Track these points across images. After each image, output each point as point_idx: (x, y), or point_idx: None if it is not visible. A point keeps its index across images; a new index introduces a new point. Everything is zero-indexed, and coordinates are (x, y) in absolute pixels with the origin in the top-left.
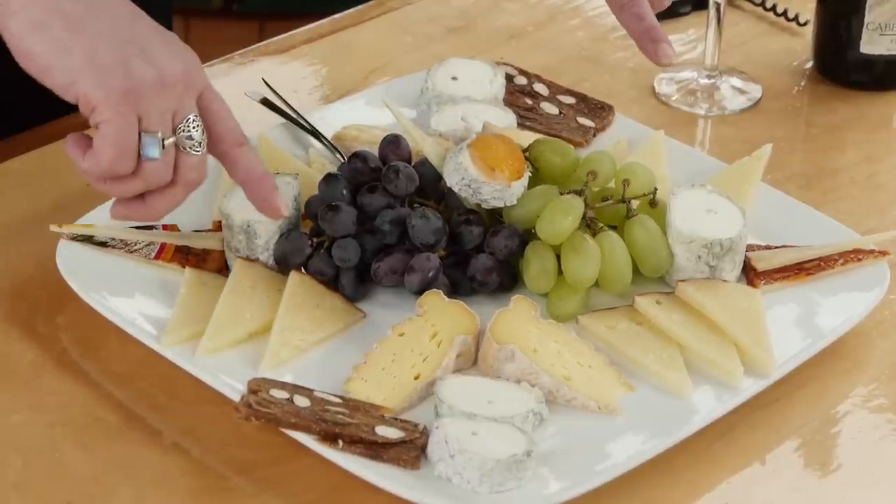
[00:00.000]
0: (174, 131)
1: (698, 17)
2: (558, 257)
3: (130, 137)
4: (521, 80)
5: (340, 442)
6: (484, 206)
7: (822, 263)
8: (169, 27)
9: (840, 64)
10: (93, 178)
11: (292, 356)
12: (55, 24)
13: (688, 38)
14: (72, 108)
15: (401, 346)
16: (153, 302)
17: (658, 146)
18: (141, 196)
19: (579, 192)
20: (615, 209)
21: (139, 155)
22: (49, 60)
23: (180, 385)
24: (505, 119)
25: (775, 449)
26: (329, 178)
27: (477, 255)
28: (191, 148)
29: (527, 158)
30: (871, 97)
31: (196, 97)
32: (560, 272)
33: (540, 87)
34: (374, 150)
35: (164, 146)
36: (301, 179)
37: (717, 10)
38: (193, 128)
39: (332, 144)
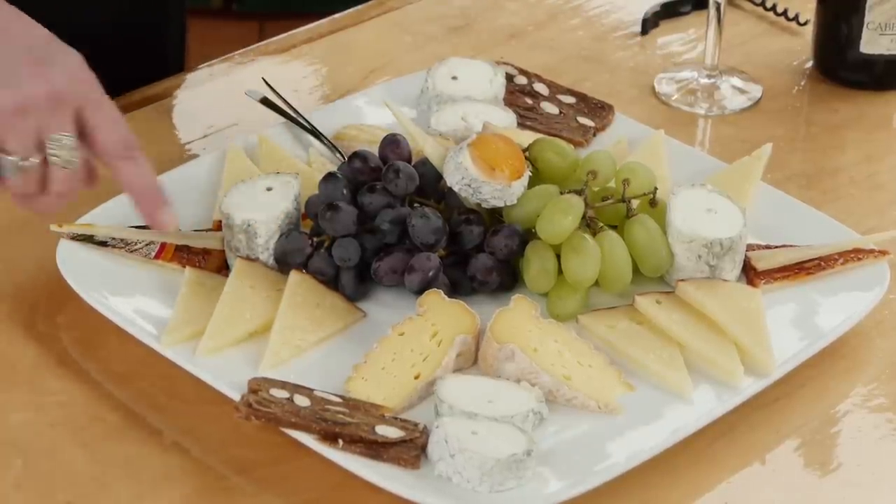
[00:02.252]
0: (40, 148)
1: (698, 17)
2: (558, 257)
3: None
4: (521, 80)
5: (340, 441)
6: (484, 205)
7: (822, 263)
8: (183, 26)
9: (840, 64)
10: None
11: (292, 356)
12: None
13: (688, 37)
14: None
15: (401, 345)
16: (153, 302)
17: (658, 146)
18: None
19: (579, 192)
20: (615, 209)
21: None
22: None
23: (180, 385)
24: (505, 119)
25: (775, 449)
26: (329, 177)
27: (477, 254)
28: (59, 165)
29: (527, 158)
30: (870, 97)
31: (71, 113)
32: (560, 272)
33: (540, 87)
34: (374, 150)
35: (20, 167)
36: (301, 179)
37: (717, 9)
38: (59, 147)
39: (332, 144)
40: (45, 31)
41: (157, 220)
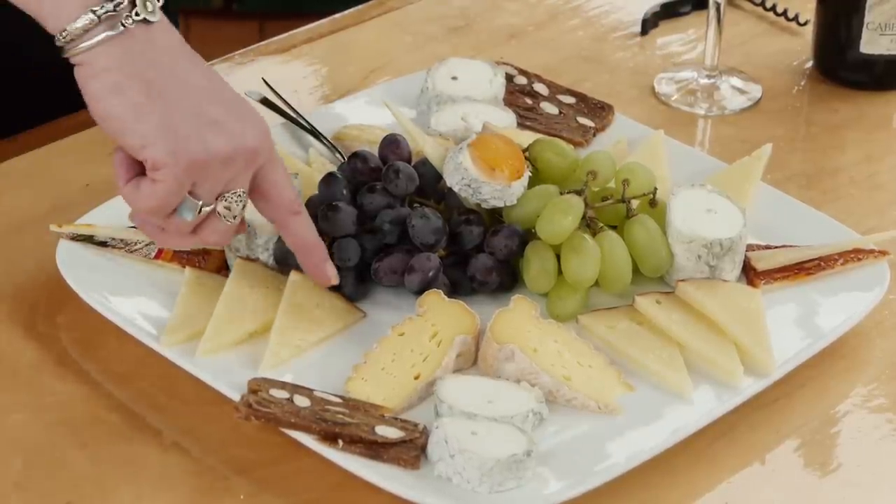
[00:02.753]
0: (217, 199)
1: (698, 17)
2: (558, 257)
3: (177, 199)
4: (521, 80)
5: (340, 442)
6: (484, 205)
7: (822, 263)
8: (176, 26)
9: (840, 64)
10: (125, 199)
11: (292, 356)
12: (134, 88)
13: (688, 38)
14: (72, 109)
15: (401, 345)
16: (153, 302)
17: (658, 146)
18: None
19: (579, 192)
20: (615, 209)
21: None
22: (125, 124)
23: (180, 385)
24: (505, 119)
25: (775, 449)
26: (329, 177)
27: (477, 254)
28: (224, 217)
29: (527, 158)
30: (870, 97)
31: (255, 171)
32: (560, 272)
33: (540, 87)
34: (374, 150)
35: (199, 212)
36: (301, 179)
37: (717, 10)
38: (235, 201)
39: (332, 144)
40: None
41: (322, 274)
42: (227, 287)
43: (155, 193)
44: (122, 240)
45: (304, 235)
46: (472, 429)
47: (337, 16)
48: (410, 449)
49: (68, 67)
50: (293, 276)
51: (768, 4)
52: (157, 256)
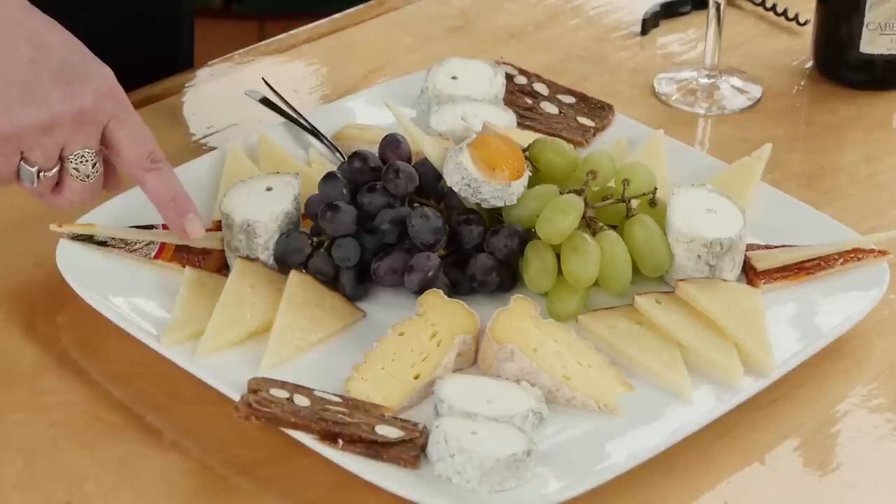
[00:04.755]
0: (62, 161)
1: (698, 17)
2: (558, 257)
3: (7, 169)
4: (521, 80)
5: (340, 441)
6: (484, 205)
7: (822, 263)
8: (191, 27)
9: (840, 64)
10: None
11: (292, 356)
12: None
13: (688, 37)
14: None
15: (401, 345)
16: (153, 302)
17: (658, 146)
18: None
19: (579, 192)
20: (615, 209)
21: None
22: None
23: (180, 385)
24: (505, 119)
25: (775, 449)
26: (329, 177)
27: (477, 254)
28: (77, 178)
29: (527, 158)
30: (871, 97)
31: (97, 130)
32: (560, 272)
33: (540, 87)
34: (374, 150)
35: (39, 178)
36: (301, 179)
37: (717, 9)
38: (82, 162)
39: (332, 144)
40: (78, 43)
41: (183, 229)
42: (227, 287)
43: None
44: (122, 240)
45: (158, 191)
46: (472, 429)
47: (337, 16)
48: (410, 448)
49: None
50: (293, 276)
51: (768, 4)
52: (157, 256)
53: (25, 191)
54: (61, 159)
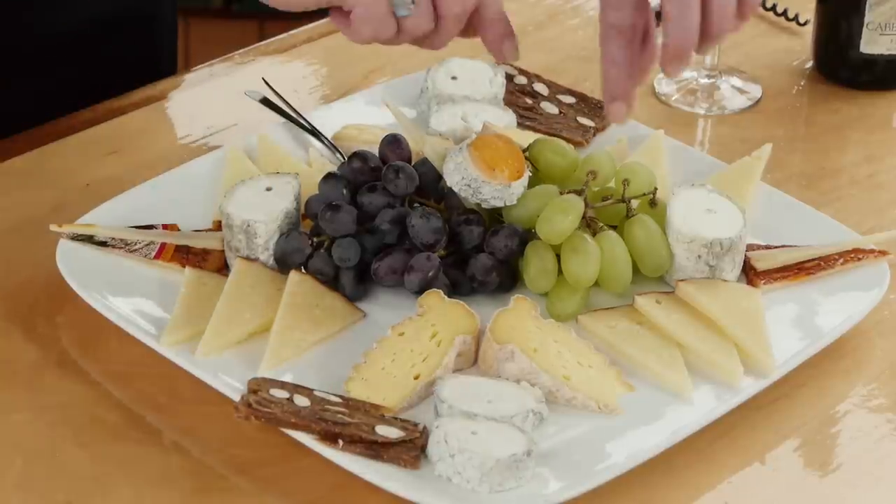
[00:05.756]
0: None
1: None
2: (558, 257)
3: (380, 6)
4: (521, 80)
5: (340, 441)
6: (484, 205)
7: (822, 263)
8: (174, 27)
9: (840, 64)
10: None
11: (292, 356)
12: None
13: None
14: (72, 109)
15: (401, 345)
16: (153, 302)
17: (658, 146)
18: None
19: (579, 192)
20: (615, 209)
21: (395, 15)
22: None
23: (180, 385)
24: (505, 119)
25: (775, 449)
26: (329, 177)
27: (477, 254)
28: None
29: (527, 158)
30: (871, 97)
31: None
32: (560, 272)
33: (540, 87)
34: (374, 150)
35: (413, 1)
36: (301, 179)
37: None
38: None
39: (332, 144)
40: None
41: (502, 50)
42: (227, 287)
43: (360, 18)
44: (122, 240)
45: (485, 13)
46: (472, 429)
47: None
48: (410, 449)
49: (68, 67)
50: (293, 276)
51: (768, 4)
52: (157, 256)
53: (408, 32)
54: None
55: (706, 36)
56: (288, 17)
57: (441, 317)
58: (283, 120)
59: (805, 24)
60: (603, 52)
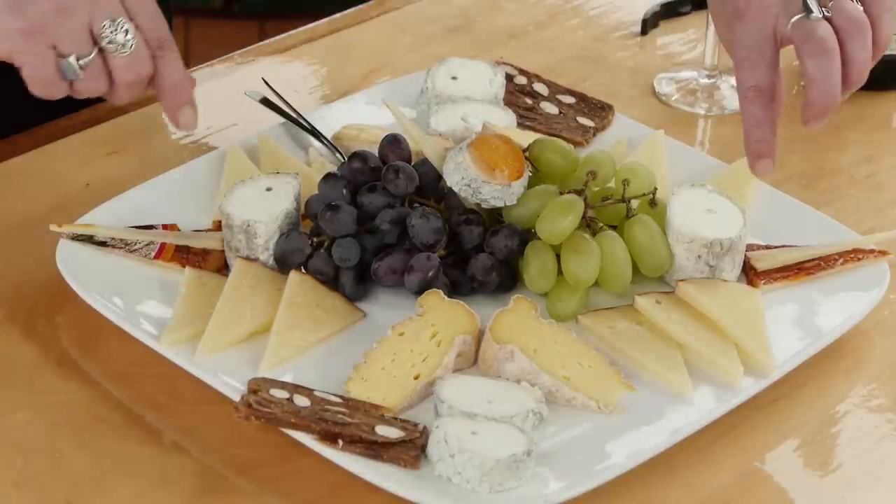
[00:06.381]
0: (96, 42)
1: (698, 17)
2: (558, 257)
3: (48, 69)
4: (521, 80)
5: (340, 442)
6: (484, 205)
7: (822, 263)
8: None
9: None
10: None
11: (292, 356)
12: None
13: (688, 37)
14: (71, 109)
15: (401, 345)
16: (153, 302)
17: (658, 146)
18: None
19: (579, 192)
20: (615, 209)
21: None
22: None
23: (180, 385)
24: (505, 119)
25: (775, 449)
26: (329, 177)
27: (477, 254)
28: (117, 52)
29: (527, 158)
30: (871, 97)
31: (117, 2)
32: (560, 272)
33: (540, 87)
34: (374, 150)
35: (81, 66)
36: (301, 179)
37: None
38: (113, 32)
39: (332, 144)
40: None
41: (177, 119)
42: (227, 287)
43: (29, 78)
44: (122, 240)
45: (163, 78)
46: (472, 429)
47: (337, 16)
48: (410, 449)
49: None
50: (293, 276)
51: None
52: (157, 256)
53: (80, 94)
54: (95, 41)
55: (846, 87)
56: (288, 17)
57: (441, 317)
58: (283, 120)
59: None
60: (744, 113)
